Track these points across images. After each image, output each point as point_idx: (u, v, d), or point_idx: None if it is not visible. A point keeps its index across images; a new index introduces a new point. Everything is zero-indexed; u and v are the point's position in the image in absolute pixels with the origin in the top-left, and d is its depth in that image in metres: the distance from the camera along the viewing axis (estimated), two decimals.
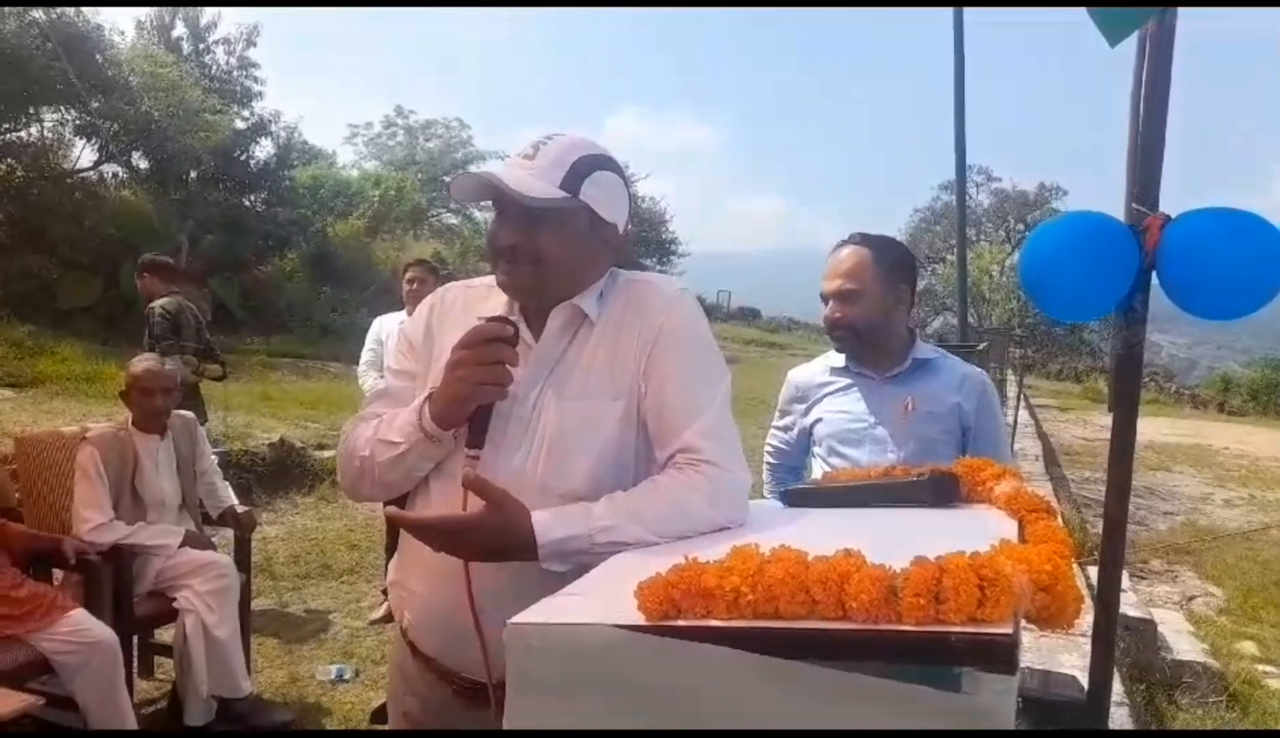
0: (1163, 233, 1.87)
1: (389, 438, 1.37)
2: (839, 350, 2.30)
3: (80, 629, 2.89)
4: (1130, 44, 1.95)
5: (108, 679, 2.91)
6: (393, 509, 1.36)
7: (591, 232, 1.39)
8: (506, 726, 0.95)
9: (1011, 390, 12.36)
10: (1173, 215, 1.89)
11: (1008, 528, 1.16)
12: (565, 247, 1.36)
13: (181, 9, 18.04)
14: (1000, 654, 0.76)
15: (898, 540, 1.04)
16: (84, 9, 13.61)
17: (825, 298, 2.25)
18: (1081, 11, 1.82)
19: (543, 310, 1.39)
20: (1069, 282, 2.02)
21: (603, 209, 1.38)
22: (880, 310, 2.19)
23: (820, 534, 1.13)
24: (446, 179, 27.73)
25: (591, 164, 1.36)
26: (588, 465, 1.34)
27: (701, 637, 0.86)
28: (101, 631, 2.93)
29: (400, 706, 1.52)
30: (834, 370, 2.33)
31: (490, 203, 1.39)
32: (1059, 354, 31.81)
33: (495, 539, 1.21)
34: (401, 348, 1.54)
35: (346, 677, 3.88)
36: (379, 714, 3.39)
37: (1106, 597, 2.07)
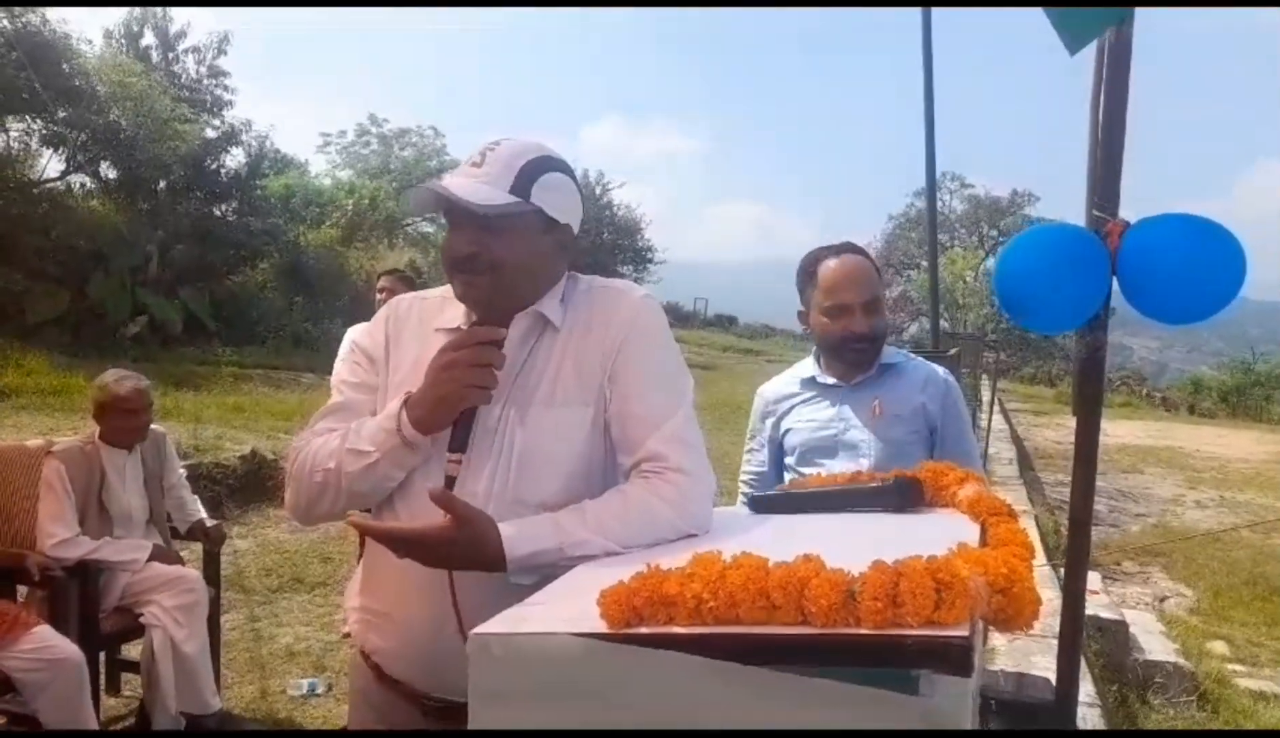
0: (1122, 239, 1.89)
1: (359, 447, 1.33)
2: (854, 363, 2.23)
3: (44, 646, 2.84)
4: (1091, 49, 1.98)
5: (73, 697, 2.86)
6: (358, 517, 1.33)
7: (545, 234, 1.39)
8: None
9: (986, 395, 12.48)
10: (1132, 221, 1.92)
11: (970, 532, 1.17)
12: (520, 252, 1.35)
13: (151, 18, 17.82)
14: (955, 657, 0.76)
15: (859, 545, 1.05)
16: (49, 18, 13.41)
17: (844, 311, 2.16)
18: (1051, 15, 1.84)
19: (502, 320, 1.37)
20: (1045, 296, 2.01)
21: (554, 211, 1.38)
22: (886, 319, 2.26)
23: (783, 540, 1.13)
24: None
25: (540, 166, 1.36)
26: (560, 476, 1.33)
27: (663, 644, 0.86)
28: (66, 647, 2.88)
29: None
30: (803, 382, 2.34)
31: (443, 214, 1.38)
32: (1033, 359, 32.12)
33: (462, 553, 1.20)
34: (357, 360, 1.49)
35: (319, 691, 3.84)
36: None
37: (1072, 597, 2.09)
